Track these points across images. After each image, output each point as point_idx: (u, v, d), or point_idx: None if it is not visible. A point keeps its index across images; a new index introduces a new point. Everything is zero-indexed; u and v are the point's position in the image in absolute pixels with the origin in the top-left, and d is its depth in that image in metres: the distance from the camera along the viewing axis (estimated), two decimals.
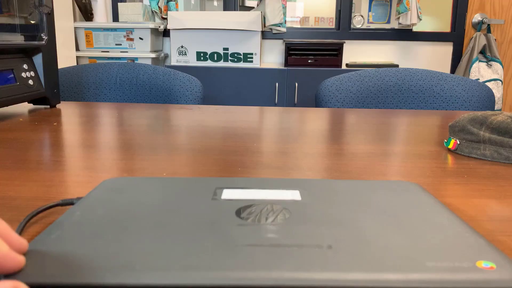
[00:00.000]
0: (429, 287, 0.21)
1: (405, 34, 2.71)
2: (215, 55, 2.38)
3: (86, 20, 2.61)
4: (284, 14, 2.52)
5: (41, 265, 0.23)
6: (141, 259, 0.23)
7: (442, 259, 0.24)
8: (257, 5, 2.64)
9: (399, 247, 0.25)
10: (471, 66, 2.59)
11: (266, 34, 2.70)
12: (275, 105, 2.35)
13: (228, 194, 0.34)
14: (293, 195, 0.34)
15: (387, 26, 2.79)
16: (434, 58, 2.76)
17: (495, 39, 2.69)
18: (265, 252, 0.24)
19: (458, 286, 0.21)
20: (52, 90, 0.90)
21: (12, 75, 0.79)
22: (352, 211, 0.31)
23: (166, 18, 2.66)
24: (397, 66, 2.50)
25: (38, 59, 0.86)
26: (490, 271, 0.22)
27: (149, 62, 2.41)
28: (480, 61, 2.60)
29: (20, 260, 0.22)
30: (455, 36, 2.73)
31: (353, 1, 2.75)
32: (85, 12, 2.58)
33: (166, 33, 2.73)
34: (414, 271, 0.22)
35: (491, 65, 2.60)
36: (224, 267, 0.22)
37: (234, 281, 0.21)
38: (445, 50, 2.75)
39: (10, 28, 0.79)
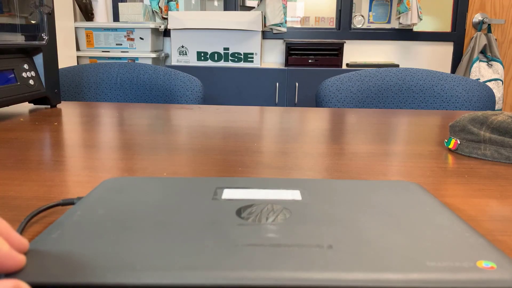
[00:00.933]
0: (430, 287, 0.21)
1: (406, 34, 2.71)
2: (216, 55, 2.38)
3: (87, 20, 2.61)
4: (285, 14, 2.52)
5: (42, 265, 0.23)
6: (142, 258, 0.23)
7: (443, 259, 0.24)
8: (258, 5, 2.64)
9: (399, 247, 0.25)
10: (471, 66, 2.59)
11: (267, 34, 2.70)
12: (276, 105, 2.35)
13: (228, 194, 0.34)
14: (294, 195, 0.34)
15: (388, 26, 2.79)
16: (435, 58, 2.76)
17: (496, 39, 2.69)
18: (265, 252, 0.24)
19: (458, 286, 0.21)
20: (53, 90, 0.90)
21: (12, 75, 0.79)
22: (353, 211, 0.31)
23: (166, 18, 2.66)
24: (397, 66, 2.50)
25: (38, 59, 0.86)
26: (491, 271, 0.22)
27: (149, 62, 2.41)
28: (480, 61, 2.60)
29: (21, 259, 0.22)
30: (455, 36, 2.73)
31: (354, 1, 2.75)
32: (86, 12, 2.58)
33: (166, 33, 2.73)
34: (414, 271, 0.22)
35: (491, 65, 2.60)
36: (225, 267, 0.22)
37: (234, 280, 0.21)
38: (446, 50, 2.75)
39: (10, 28, 0.79)
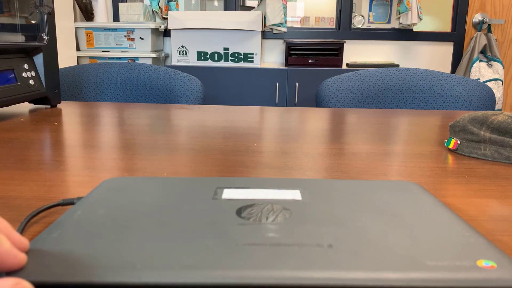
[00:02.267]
0: (430, 286, 0.21)
1: (406, 34, 2.71)
2: (216, 55, 2.38)
3: (87, 20, 2.61)
4: (285, 14, 2.52)
5: (42, 264, 0.23)
6: (142, 258, 0.23)
7: (443, 258, 0.24)
8: (258, 5, 2.64)
9: (399, 246, 0.25)
10: (471, 66, 2.59)
11: (267, 34, 2.70)
12: (276, 105, 2.35)
13: (228, 193, 0.34)
14: (294, 194, 0.34)
15: (388, 26, 2.79)
16: (435, 58, 2.76)
17: (496, 39, 2.69)
18: (265, 251, 0.24)
19: (458, 285, 0.21)
20: (53, 90, 0.90)
21: (13, 75, 0.79)
22: (353, 210, 0.31)
23: (166, 18, 2.66)
24: (397, 66, 2.50)
25: (39, 59, 0.86)
26: (491, 270, 0.22)
27: (149, 62, 2.41)
28: (480, 61, 2.60)
29: (22, 257, 0.22)
30: (455, 36, 2.73)
31: (354, 1, 2.75)
32: (86, 12, 2.58)
33: (166, 33, 2.73)
34: (414, 270, 0.22)
35: (491, 65, 2.60)
36: (225, 266, 0.22)
37: (234, 279, 0.21)
38: (446, 50, 2.75)
39: (11, 28, 0.79)
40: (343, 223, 0.28)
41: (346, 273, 0.22)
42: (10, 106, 0.92)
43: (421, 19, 2.54)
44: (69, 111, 0.88)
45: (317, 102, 1.19)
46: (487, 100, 1.14)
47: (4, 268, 0.22)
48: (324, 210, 0.31)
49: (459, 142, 0.58)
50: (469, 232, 0.27)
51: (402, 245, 0.25)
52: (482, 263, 0.23)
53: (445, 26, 2.76)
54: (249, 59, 2.38)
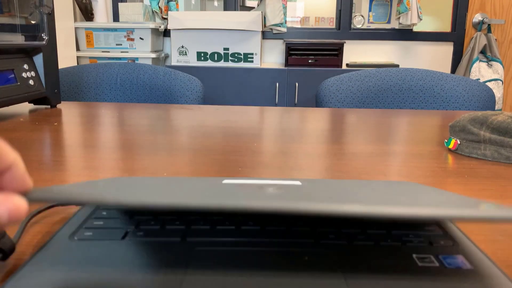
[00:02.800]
0: (435, 215, 0.21)
1: (406, 34, 2.71)
2: (216, 55, 2.38)
3: (87, 20, 2.61)
4: (285, 14, 2.52)
5: (43, 190, 0.25)
6: (138, 194, 0.25)
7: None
8: (258, 5, 2.64)
9: (403, 201, 0.26)
10: (471, 66, 2.59)
11: (267, 34, 2.70)
12: (276, 105, 2.35)
13: (229, 181, 0.35)
14: (293, 182, 0.35)
15: (388, 26, 2.79)
16: (435, 58, 2.76)
17: (496, 39, 2.69)
18: (261, 197, 0.25)
19: (467, 215, 0.22)
20: (53, 90, 0.90)
21: (12, 75, 0.79)
22: (354, 191, 0.31)
23: (166, 18, 2.66)
24: (397, 66, 2.50)
25: (38, 59, 0.86)
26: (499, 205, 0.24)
27: (149, 62, 2.41)
28: (480, 61, 2.60)
29: (30, 183, 0.24)
30: (455, 36, 2.73)
31: (354, 1, 2.75)
32: (86, 12, 2.58)
33: (166, 33, 2.73)
34: (419, 206, 0.23)
35: (491, 65, 2.60)
36: (220, 198, 0.24)
37: (229, 205, 0.22)
38: (446, 50, 2.75)
39: (10, 28, 0.79)
40: (344, 196, 0.29)
41: (345, 205, 0.22)
42: (10, 106, 0.92)
43: (421, 19, 2.54)
44: (69, 111, 0.88)
45: (317, 102, 1.19)
46: (487, 100, 1.14)
47: (13, 189, 0.23)
48: (324, 191, 0.31)
49: (459, 142, 0.58)
50: (475, 200, 0.28)
51: (407, 202, 0.26)
52: (484, 206, 0.24)
53: (445, 26, 2.76)
54: (249, 59, 2.37)
